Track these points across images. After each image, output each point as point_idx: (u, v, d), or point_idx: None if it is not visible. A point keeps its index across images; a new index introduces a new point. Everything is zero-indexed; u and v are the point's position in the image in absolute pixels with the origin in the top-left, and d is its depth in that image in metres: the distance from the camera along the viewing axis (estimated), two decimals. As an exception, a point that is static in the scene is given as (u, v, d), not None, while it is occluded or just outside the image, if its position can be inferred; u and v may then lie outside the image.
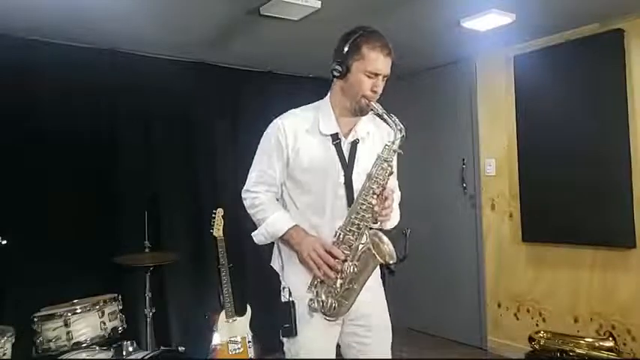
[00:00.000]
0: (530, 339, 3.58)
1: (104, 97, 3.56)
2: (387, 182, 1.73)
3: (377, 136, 1.90)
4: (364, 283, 1.74)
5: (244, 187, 1.93)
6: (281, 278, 1.89)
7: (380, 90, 1.78)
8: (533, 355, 3.55)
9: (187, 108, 3.95)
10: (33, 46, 3.26)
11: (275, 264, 1.94)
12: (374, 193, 1.71)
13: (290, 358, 1.82)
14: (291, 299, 1.79)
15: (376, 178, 1.72)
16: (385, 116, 1.76)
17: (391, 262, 1.70)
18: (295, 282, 1.82)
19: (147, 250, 3.27)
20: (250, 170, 1.92)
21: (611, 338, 3.32)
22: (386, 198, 1.73)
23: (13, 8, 2.83)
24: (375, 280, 1.90)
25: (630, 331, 3.37)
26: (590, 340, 3.38)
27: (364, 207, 1.71)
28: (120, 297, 3.08)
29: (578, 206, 3.49)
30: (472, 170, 4.31)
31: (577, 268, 3.63)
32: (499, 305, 4.15)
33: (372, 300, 1.88)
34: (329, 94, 1.90)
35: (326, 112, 1.85)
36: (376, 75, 1.76)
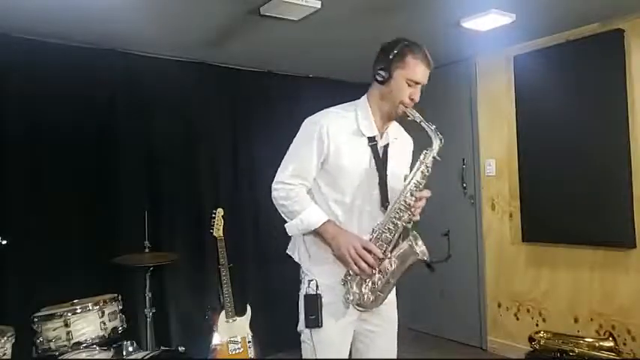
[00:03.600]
0: (530, 339, 3.58)
1: (104, 97, 3.56)
2: (423, 185, 1.87)
3: (400, 143, 2.02)
4: (397, 278, 1.88)
5: (277, 179, 1.93)
6: (304, 270, 1.93)
7: (417, 98, 1.91)
8: (533, 355, 3.56)
9: (187, 108, 3.95)
10: (33, 46, 3.26)
11: (295, 254, 1.98)
12: (412, 195, 1.84)
13: (308, 349, 1.87)
14: (318, 292, 1.84)
15: (416, 180, 1.85)
16: (424, 124, 1.88)
17: (426, 258, 1.85)
18: (322, 273, 1.87)
19: (147, 250, 3.27)
20: (284, 162, 1.94)
21: (611, 338, 3.32)
22: (419, 198, 1.86)
23: (13, 8, 2.83)
24: None
25: (630, 331, 3.37)
26: (590, 340, 3.38)
27: (403, 207, 1.83)
28: (120, 297, 3.08)
29: (578, 206, 3.49)
30: (472, 170, 4.31)
31: (577, 269, 3.63)
32: (499, 305, 4.15)
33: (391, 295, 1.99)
34: (366, 97, 1.99)
35: (365, 114, 1.93)
36: (416, 84, 1.90)
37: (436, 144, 1.88)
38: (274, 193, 1.91)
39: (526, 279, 3.95)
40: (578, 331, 3.58)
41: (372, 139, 1.90)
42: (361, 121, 1.91)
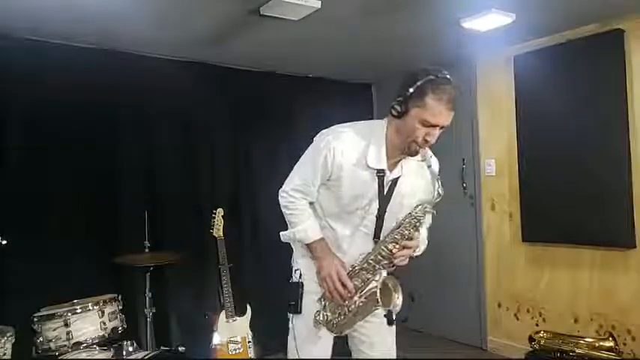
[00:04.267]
0: (530, 339, 3.58)
1: (104, 97, 3.55)
2: (411, 236, 1.82)
3: (420, 174, 1.90)
4: (365, 317, 1.87)
5: (283, 187, 1.97)
6: (293, 259, 2.02)
7: (433, 140, 1.77)
8: (533, 355, 3.55)
9: (187, 108, 3.95)
10: (33, 46, 3.26)
11: (290, 241, 2.04)
12: (396, 243, 1.80)
13: (294, 335, 1.94)
14: (300, 280, 1.92)
15: (402, 230, 1.80)
16: (431, 174, 1.79)
17: (394, 310, 1.81)
18: (306, 265, 1.95)
19: (147, 250, 3.27)
20: (293, 172, 1.97)
21: (611, 338, 3.32)
22: (404, 247, 1.81)
23: (14, 8, 2.83)
24: None
25: (630, 331, 3.37)
26: (590, 340, 3.37)
27: (384, 253, 1.81)
28: (120, 297, 3.08)
29: (578, 206, 3.49)
30: (472, 170, 4.31)
31: (577, 268, 3.63)
32: (499, 305, 4.15)
33: None
34: (385, 123, 1.86)
35: (378, 144, 1.83)
36: (433, 126, 1.73)
37: (435, 198, 1.78)
38: (279, 200, 1.97)
39: (526, 279, 3.95)
40: (578, 331, 3.58)
41: (380, 171, 1.83)
42: (370, 153, 1.81)
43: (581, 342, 3.37)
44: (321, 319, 1.88)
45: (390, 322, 1.79)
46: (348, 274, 1.86)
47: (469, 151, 4.32)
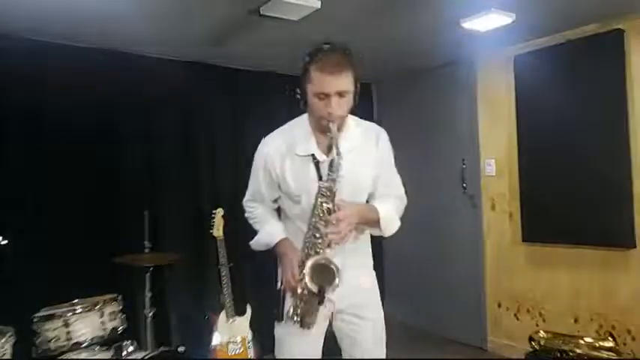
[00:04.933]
0: (530, 339, 3.58)
1: (104, 97, 3.55)
2: (332, 207, 1.75)
3: (365, 150, 1.91)
4: (316, 302, 1.79)
5: (244, 199, 2.10)
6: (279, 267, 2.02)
7: (335, 110, 1.73)
8: (533, 355, 3.55)
9: (187, 108, 3.95)
10: (33, 46, 3.26)
11: (260, 247, 2.08)
12: (321, 219, 1.76)
13: (278, 345, 1.99)
14: (282, 287, 1.91)
15: (320, 204, 1.76)
16: (334, 144, 1.75)
17: (328, 289, 1.72)
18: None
19: (147, 250, 3.27)
20: (249, 186, 2.07)
21: (611, 338, 3.32)
22: (340, 220, 1.72)
23: (14, 8, 2.83)
24: (371, 282, 2.02)
25: (630, 331, 3.37)
26: (590, 340, 3.37)
27: (315, 233, 1.78)
28: (120, 297, 3.08)
29: (578, 206, 3.49)
30: (472, 170, 4.30)
31: (577, 268, 3.63)
32: (499, 305, 4.15)
33: (365, 297, 1.97)
34: (307, 114, 1.91)
35: (303, 133, 1.88)
36: (326, 95, 1.72)
37: (337, 164, 1.75)
38: (245, 213, 2.10)
39: (526, 279, 3.95)
40: (578, 331, 3.58)
41: (314, 157, 1.84)
42: (299, 142, 1.86)
43: (581, 342, 3.37)
44: (291, 312, 1.85)
45: (320, 302, 1.75)
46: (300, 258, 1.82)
47: (469, 151, 4.32)
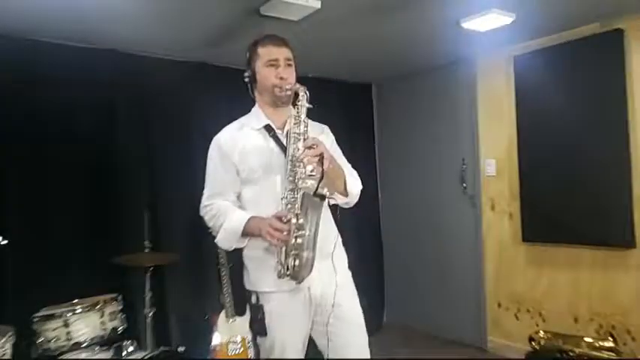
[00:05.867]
0: (530, 339, 3.58)
1: (104, 97, 3.55)
2: (306, 135, 1.83)
3: (318, 130, 2.06)
4: (315, 231, 1.79)
5: (200, 205, 2.05)
6: (245, 283, 2.06)
7: (286, 75, 1.94)
8: (533, 355, 3.55)
9: (187, 108, 3.94)
10: (33, 46, 3.26)
11: (245, 284, 2.08)
12: (297, 150, 1.80)
13: (264, 355, 1.96)
14: (260, 303, 1.93)
15: (295, 135, 1.84)
16: (299, 87, 1.90)
17: (314, 191, 1.75)
18: (261, 278, 1.95)
19: (147, 250, 3.27)
20: (204, 190, 2.04)
21: (611, 338, 3.32)
22: (313, 144, 1.76)
23: (13, 8, 2.83)
24: (345, 277, 2.02)
25: (630, 331, 3.37)
26: (590, 340, 3.38)
27: (293, 162, 1.81)
28: (120, 297, 3.08)
29: (578, 206, 3.49)
30: (472, 170, 4.31)
31: (577, 268, 3.63)
32: (499, 305, 4.15)
33: (342, 294, 1.95)
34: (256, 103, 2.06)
35: (254, 113, 2.06)
36: (276, 61, 1.94)
37: (303, 96, 1.89)
38: (204, 220, 2.05)
39: (526, 279, 3.95)
40: (578, 331, 3.58)
41: (269, 129, 1.95)
42: (252, 120, 2.01)
43: (581, 342, 3.38)
44: (282, 271, 1.81)
45: (322, 197, 1.77)
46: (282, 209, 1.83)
47: (469, 151, 4.32)
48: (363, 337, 2.01)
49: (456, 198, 4.40)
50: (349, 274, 2.06)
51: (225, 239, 1.97)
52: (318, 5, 2.88)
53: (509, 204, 4.04)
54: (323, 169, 1.74)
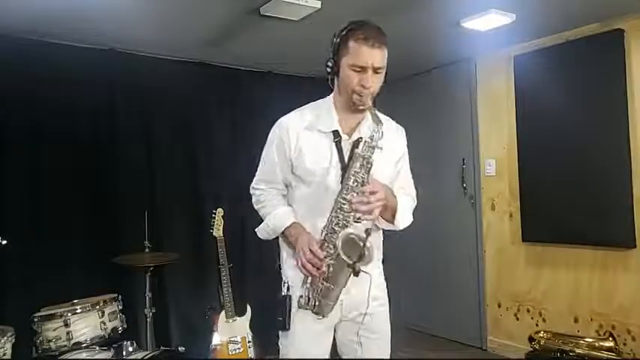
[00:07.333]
0: (530, 339, 3.58)
1: (104, 97, 3.56)
2: (366, 179, 1.68)
3: (394, 139, 1.87)
4: (344, 284, 1.70)
5: (251, 185, 1.96)
6: (282, 271, 1.91)
7: (370, 84, 1.70)
8: (533, 355, 3.55)
9: (187, 108, 3.95)
10: (33, 46, 3.26)
11: (278, 259, 1.96)
12: (352, 190, 1.67)
13: (283, 355, 1.87)
14: (288, 293, 1.82)
15: (354, 174, 1.68)
16: (374, 113, 1.70)
17: (361, 264, 1.59)
18: (293, 276, 1.83)
19: (147, 250, 3.27)
20: (257, 169, 1.95)
21: (611, 338, 3.32)
22: (371, 192, 1.62)
23: (13, 8, 2.83)
24: (381, 290, 1.91)
25: (630, 331, 3.37)
26: (590, 340, 3.38)
27: (344, 205, 1.67)
28: (120, 297, 3.08)
29: (578, 206, 3.49)
30: (472, 170, 4.31)
31: (577, 268, 3.63)
32: (499, 305, 4.15)
33: (377, 306, 1.86)
34: (332, 94, 1.87)
35: (327, 109, 1.83)
36: (363, 68, 1.69)
37: (378, 133, 1.67)
38: (252, 199, 1.95)
39: (526, 279, 3.95)
40: (578, 331, 3.58)
41: (335, 135, 1.78)
42: (322, 118, 1.81)
43: (581, 342, 3.38)
44: (302, 302, 1.74)
45: (355, 273, 1.61)
46: (319, 242, 1.72)
47: (469, 151, 4.32)
48: (387, 349, 1.92)
49: (455, 198, 4.40)
50: (384, 284, 1.96)
51: (265, 231, 1.89)
52: (318, 5, 2.88)
53: (509, 204, 4.04)
54: (369, 232, 1.58)
